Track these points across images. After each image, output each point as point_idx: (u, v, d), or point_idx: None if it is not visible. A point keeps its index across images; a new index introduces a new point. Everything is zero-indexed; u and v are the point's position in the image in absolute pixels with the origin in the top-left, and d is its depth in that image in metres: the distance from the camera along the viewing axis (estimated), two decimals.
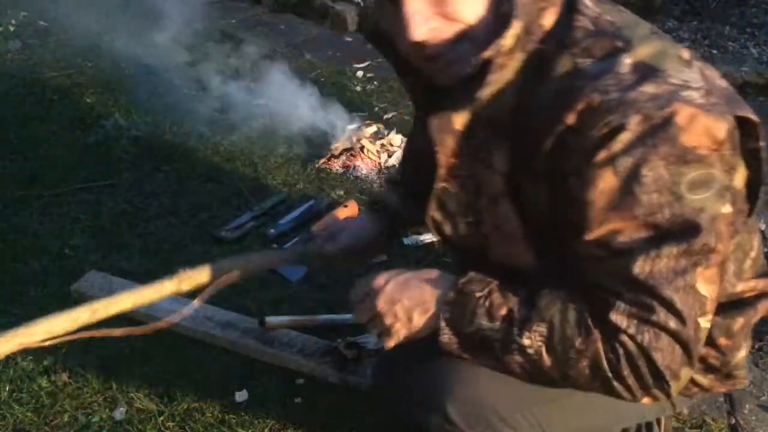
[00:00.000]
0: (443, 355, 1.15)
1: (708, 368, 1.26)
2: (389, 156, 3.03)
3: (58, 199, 2.84)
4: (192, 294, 1.38)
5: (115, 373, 1.99)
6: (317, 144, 3.16)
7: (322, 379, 1.93)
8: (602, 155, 1.00)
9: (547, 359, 1.06)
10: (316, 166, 3.01)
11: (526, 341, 1.06)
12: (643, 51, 1.04)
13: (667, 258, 1.00)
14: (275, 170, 3.00)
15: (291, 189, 2.88)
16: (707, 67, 1.11)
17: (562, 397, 1.18)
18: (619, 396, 1.07)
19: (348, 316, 2.07)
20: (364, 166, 2.99)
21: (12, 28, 4.50)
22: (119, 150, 3.18)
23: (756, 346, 2.00)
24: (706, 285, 1.02)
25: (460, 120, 1.12)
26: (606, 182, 1.00)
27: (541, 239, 1.13)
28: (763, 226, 2.52)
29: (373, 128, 3.15)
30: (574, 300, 1.07)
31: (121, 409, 1.89)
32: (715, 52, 3.86)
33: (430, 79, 1.16)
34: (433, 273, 1.16)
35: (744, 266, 1.22)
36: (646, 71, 1.02)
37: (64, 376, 1.98)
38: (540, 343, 1.06)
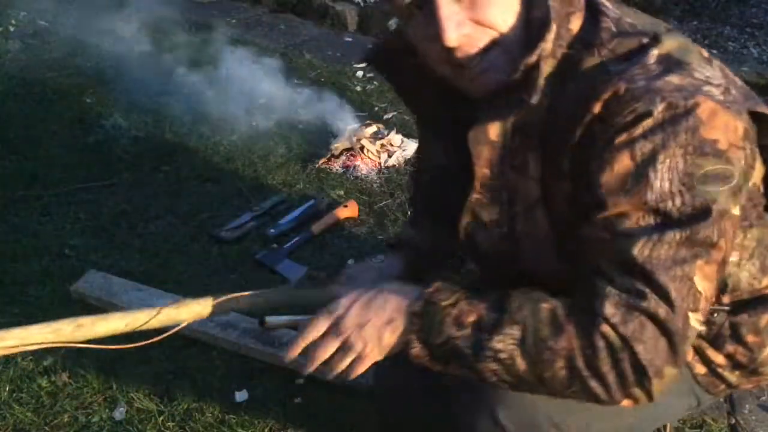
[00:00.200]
0: None
1: (736, 365, 1.24)
2: (389, 156, 3.04)
3: (58, 199, 2.84)
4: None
5: (115, 373, 1.99)
6: (317, 144, 3.16)
7: (321, 379, 1.93)
8: (622, 138, 1.00)
9: (521, 363, 1.03)
10: (316, 166, 3.01)
11: (498, 345, 1.03)
12: (669, 45, 1.05)
13: (668, 245, 0.99)
14: (275, 170, 3.00)
15: (291, 189, 2.88)
16: (725, 67, 1.12)
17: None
18: (596, 398, 1.03)
19: None
20: (364, 166, 2.99)
21: (12, 28, 4.50)
22: (119, 150, 3.18)
23: None
24: (704, 281, 1.01)
25: (494, 130, 1.11)
26: (622, 165, 1.00)
27: (567, 242, 1.12)
28: None
29: (373, 128, 3.15)
30: (546, 299, 1.05)
31: (121, 409, 1.89)
32: (715, 52, 3.86)
33: (455, 90, 1.14)
34: (395, 285, 1.14)
35: (767, 262, 1.21)
36: (672, 63, 1.03)
37: (64, 376, 1.98)
38: (513, 347, 1.03)
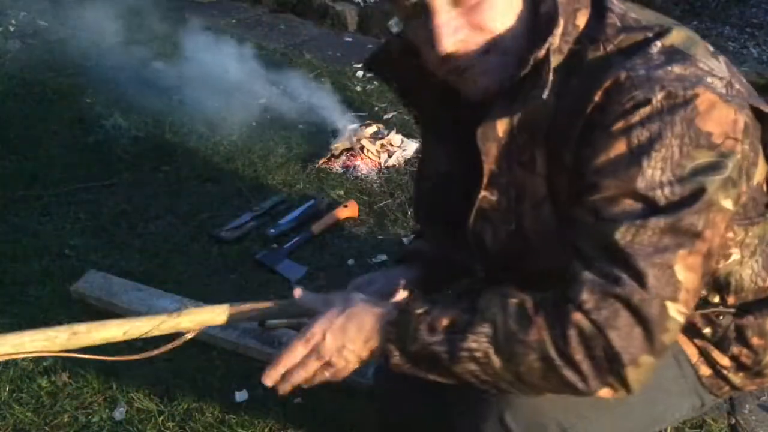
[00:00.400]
0: None
1: (740, 367, 1.24)
2: (389, 156, 3.04)
3: (58, 199, 2.84)
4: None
5: (115, 373, 1.99)
6: (317, 144, 3.16)
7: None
8: (620, 125, 1.00)
9: (496, 360, 1.02)
10: (316, 166, 3.01)
11: (472, 344, 1.03)
12: (674, 37, 1.06)
13: (651, 231, 0.98)
14: (275, 170, 3.00)
15: (291, 189, 2.88)
16: (731, 63, 1.12)
17: (615, 403, 1.15)
18: (573, 388, 1.02)
19: None
20: (364, 166, 2.99)
21: (12, 28, 4.50)
22: (119, 150, 3.18)
23: None
24: (685, 271, 0.99)
25: (502, 126, 1.11)
26: (617, 150, 1.00)
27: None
28: None
29: (373, 128, 3.15)
30: (515, 294, 1.05)
31: (121, 409, 1.89)
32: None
33: (457, 91, 1.14)
34: (368, 299, 1.14)
35: None
36: (675, 54, 1.03)
37: (64, 376, 1.98)
38: (486, 344, 1.02)
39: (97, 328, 1.20)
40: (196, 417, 1.85)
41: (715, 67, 1.05)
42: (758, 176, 1.11)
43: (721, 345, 1.22)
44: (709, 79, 1.02)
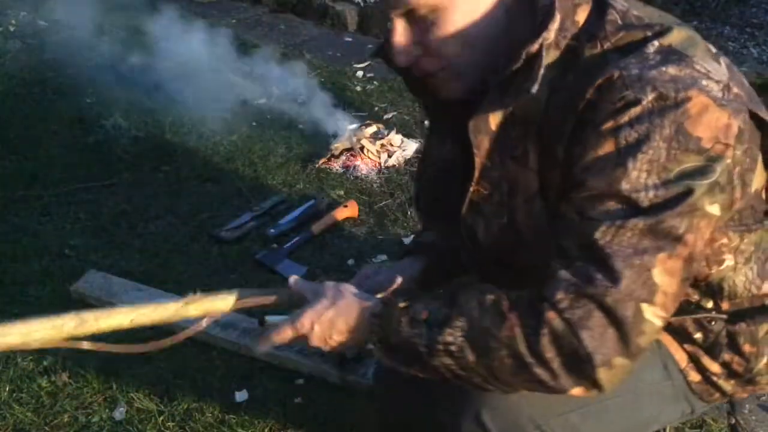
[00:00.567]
0: None
1: (731, 374, 1.23)
2: (389, 156, 3.04)
3: (58, 199, 2.84)
4: None
5: (115, 373, 1.99)
6: (317, 144, 3.16)
7: (322, 379, 1.93)
8: (609, 124, 0.99)
9: (470, 355, 1.03)
10: (316, 166, 3.01)
11: (448, 338, 1.04)
12: (673, 37, 1.04)
13: (631, 232, 0.97)
14: (275, 170, 3.00)
15: (291, 189, 2.88)
16: (734, 66, 1.10)
17: (596, 405, 1.17)
18: (544, 386, 1.01)
19: None
20: (364, 166, 2.99)
21: (12, 28, 4.50)
22: (119, 150, 3.18)
23: None
24: (664, 274, 0.98)
25: (494, 120, 1.11)
26: (604, 149, 1.00)
27: None
28: None
29: (373, 128, 3.15)
30: (492, 291, 1.05)
31: (121, 409, 1.89)
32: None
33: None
34: (357, 293, 1.16)
35: (767, 268, 1.19)
36: (672, 54, 1.02)
37: (64, 376, 1.98)
38: (461, 339, 1.03)
39: (104, 316, 1.21)
40: (196, 417, 1.85)
41: (713, 69, 1.03)
42: (757, 183, 1.10)
43: (712, 351, 1.21)
44: (704, 82, 1.00)
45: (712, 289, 1.17)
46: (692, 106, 0.98)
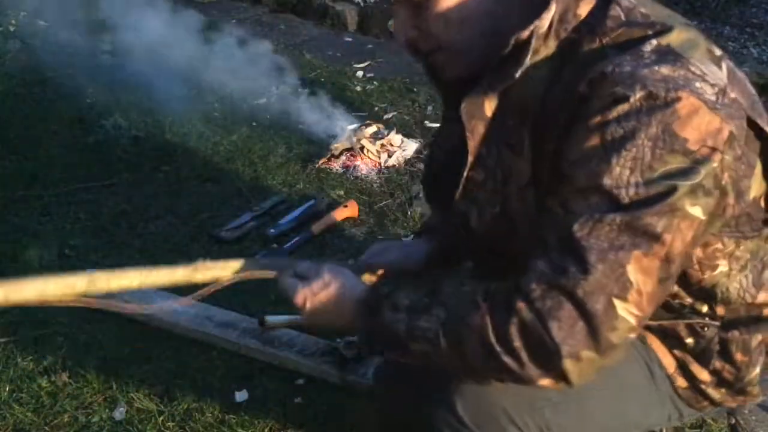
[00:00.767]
0: None
1: (721, 382, 1.22)
2: (389, 156, 3.04)
3: (58, 199, 2.84)
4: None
5: (115, 373, 1.99)
6: (317, 144, 3.16)
7: (322, 379, 1.93)
8: (596, 119, 1.00)
9: (444, 342, 1.05)
10: (316, 166, 3.01)
11: (425, 324, 1.07)
12: (673, 37, 1.04)
13: (609, 227, 0.98)
14: (275, 170, 3.00)
15: (291, 189, 2.88)
16: (737, 69, 1.09)
17: (573, 403, 1.17)
18: (512, 376, 1.02)
19: None
20: (364, 166, 2.99)
21: (12, 28, 4.50)
22: (119, 150, 3.18)
23: None
24: (639, 273, 0.98)
25: (490, 106, 1.12)
26: (590, 144, 1.00)
27: None
28: None
29: (373, 128, 3.15)
30: (472, 282, 1.08)
31: (121, 409, 1.89)
32: None
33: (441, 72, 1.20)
34: (345, 281, 1.20)
35: (763, 277, 1.18)
36: (668, 54, 1.01)
37: (64, 376, 1.98)
38: (437, 326, 1.06)
39: (114, 277, 1.28)
40: (196, 417, 1.85)
41: (710, 72, 1.02)
42: (755, 192, 1.09)
43: (702, 358, 1.20)
44: (697, 84, 1.00)
45: (706, 294, 1.16)
46: (682, 107, 0.97)
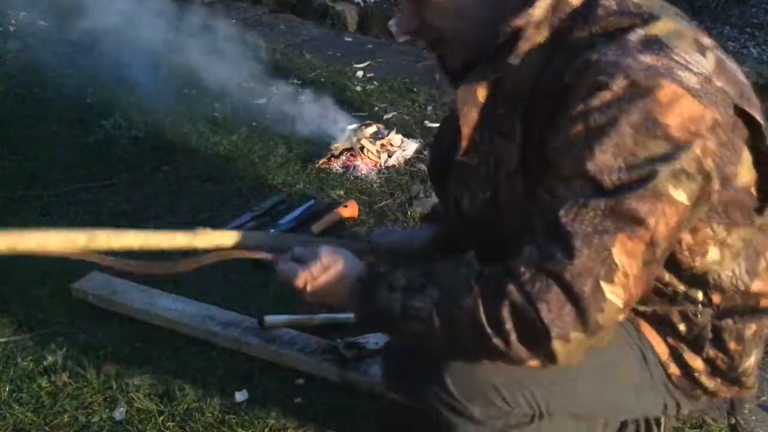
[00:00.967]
0: None
1: (715, 371, 1.23)
2: (389, 156, 3.04)
3: (58, 199, 2.84)
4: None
5: (115, 373, 1.99)
6: (317, 144, 3.16)
7: (322, 379, 1.93)
8: (580, 107, 1.02)
9: (437, 322, 1.08)
10: (316, 166, 3.01)
11: (419, 304, 1.10)
12: (660, 27, 1.06)
13: (593, 211, 1.00)
14: (275, 170, 3.00)
15: (291, 189, 2.88)
16: (728, 60, 1.11)
17: (564, 383, 1.19)
18: (501, 356, 1.05)
19: (348, 315, 2.07)
20: (364, 166, 2.99)
21: (12, 28, 4.50)
22: (119, 150, 3.18)
23: None
24: (625, 255, 1.00)
25: (483, 93, 1.15)
26: (573, 132, 1.03)
27: None
28: None
29: (373, 128, 3.15)
30: (467, 264, 1.13)
31: (121, 409, 1.89)
32: None
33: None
34: (345, 262, 1.23)
35: (758, 266, 1.19)
36: (653, 44, 1.03)
37: (64, 376, 1.98)
38: (431, 306, 1.09)
39: (115, 236, 1.29)
40: (196, 417, 1.85)
41: (695, 61, 1.04)
42: (744, 179, 1.11)
43: (695, 345, 1.22)
44: (680, 72, 1.02)
45: (698, 281, 1.17)
46: (663, 95, 1.00)
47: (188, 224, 2.66)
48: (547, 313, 1.00)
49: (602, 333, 1.03)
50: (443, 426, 1.24)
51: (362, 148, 3.04)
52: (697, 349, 1.22)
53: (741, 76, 1.12)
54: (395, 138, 3.11)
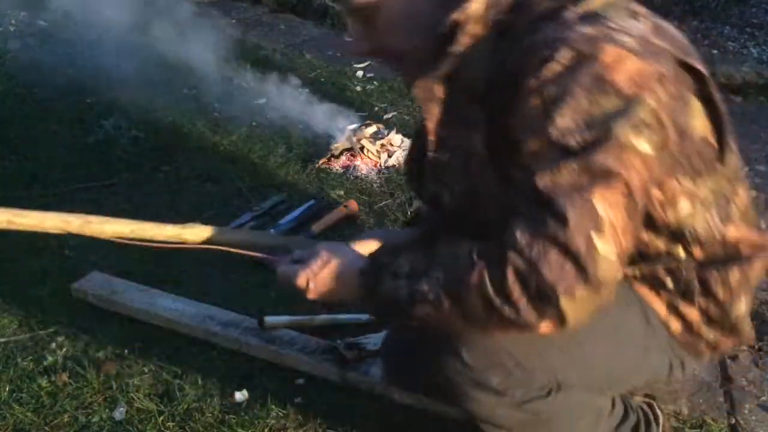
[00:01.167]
0: None
1: (710, 322, 1.28)
2: (389, 156, 3.04)
3: (58, 199, 2.84)
4: None
5: (115, 373, 1.99)
6: (317, 144, 3.16)
7: (322, 379, 1.93)
8: (532, 84, 1.08)
9: (446, 302, 1.11)
10: (316, 166, 3.01)
11: (425, 287, 1.12)
12: (594, 2, 1.12)
13: (567, 173, 1.05)
14: (275, 170, 3.00)
15: (291, 189, 2.88)
16: (664, 23, 1.18)
17: (575, 348, 1.23)
18: (513, 325, 1.08)
19: (348, 315, 2.07)
20: (364, 166, 2.99)
21: (12, 28, 4.50)
22: (119, 150, 3.18)
23: (756, 346, 2.00)
24: (605, 206, 1.05)
25: (439, 89, 1.21)
26: (531, 108, 1.08)
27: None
28: (763, 226, 2.52)
29: (373, 128, 3.15)
30: (466, 242, 1.13)
31: (121, 409, 1.88)
32: (715, 52, 3.86)
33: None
34: (345, 256, 1.26)
35: (730, 212, 1.25)
36: (589, 16, 1.10)
37: (64, 376, 1.98)
38: (437, 287, 1.11)
39: (108, 222, 1.36)
40: (196, 417, 1.85)
41: (630, 26, 1.11)
42: (699, 130, 1.17)
43: (687, 297, 1.27)
44: (619, 37, 1.08)
45: (676, 236, 1.22)
46: (607, 57, 1.06)
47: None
48: (550, 272, 1.04)
49: (604, 289, 1.07)
50: (463, 403, 1.26)
51: (362, 148, 3.04)
52: (690, 300, 1.27)
53: (679, 36, 1.18)
54: (395, 138, 3.11)
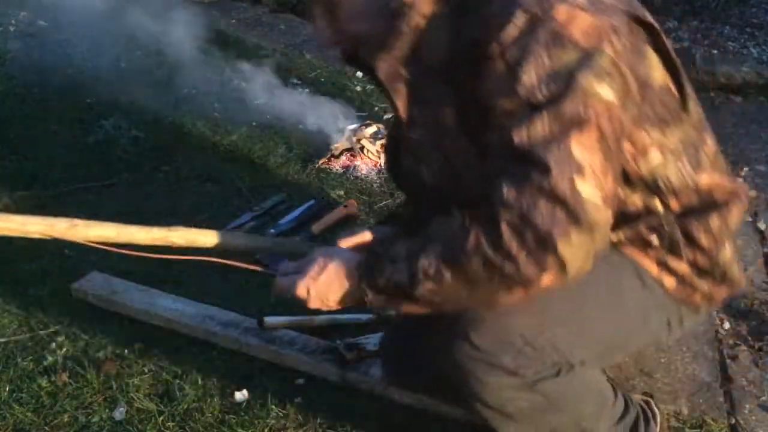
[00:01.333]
0: None
1: (700, 272, 1.31)
2: None
3: (58, 199, 2.84)
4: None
5: (115, 373, 1.99)
6: (317, 144, 3.16)
7: (322, 379, 1.93)
8: (494, 49, 1.12)
9: (447, 275, 1.13)
10: (316, 166, 3.01)
11: (424, 263, 1.14)
12: None
13: (540, 125, 1.09)
14: (275, 170, 3.00)
15: (291, 189, 2.88)
16: None
17: (580, 317, 1.25)
18: (516, 282, 1.11)
19: (348, 315, 2.07)
20: (364, 166, 2.99)
21: (12, 28, 4.50)
22: (119, 150, 3.18)
23: (756, 346, 2.00)
24: (582, 150, 1.08)
25: (401, 68, 1.24)
26: (496, 72, 1.12)
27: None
28: (763, 226, 2.53)
29: (373, 128, 3.15)
30: (457, 213, 1.15)
31: (121, 409, 1.89)
32: (715, 52, 3.86)
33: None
34: (340, 256, 1.27)
35: (700, 160, 1.28)
36: None
37: (64, 376, 1.98)
38: (437, 261, 1.13)
39: (94, 225, 1.35)
40: (196, 417, 1.85)
41: None
42: (658, 80, 1.21)
43: (674, 250, 1.29)
44: None
45: (651, 188, 1.25)
46: (559, 15, 1.11)
47: (188, 225, 2.67)
48: (542, 221, 1.07)
49: (597, 233, 1.10)
50: (474, 389, 1.25)
51: (362, 148, 3.04)
52: (678, 254, 1.29)
53: None
54: None
